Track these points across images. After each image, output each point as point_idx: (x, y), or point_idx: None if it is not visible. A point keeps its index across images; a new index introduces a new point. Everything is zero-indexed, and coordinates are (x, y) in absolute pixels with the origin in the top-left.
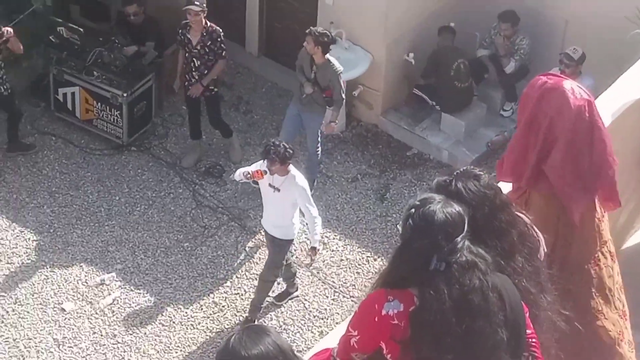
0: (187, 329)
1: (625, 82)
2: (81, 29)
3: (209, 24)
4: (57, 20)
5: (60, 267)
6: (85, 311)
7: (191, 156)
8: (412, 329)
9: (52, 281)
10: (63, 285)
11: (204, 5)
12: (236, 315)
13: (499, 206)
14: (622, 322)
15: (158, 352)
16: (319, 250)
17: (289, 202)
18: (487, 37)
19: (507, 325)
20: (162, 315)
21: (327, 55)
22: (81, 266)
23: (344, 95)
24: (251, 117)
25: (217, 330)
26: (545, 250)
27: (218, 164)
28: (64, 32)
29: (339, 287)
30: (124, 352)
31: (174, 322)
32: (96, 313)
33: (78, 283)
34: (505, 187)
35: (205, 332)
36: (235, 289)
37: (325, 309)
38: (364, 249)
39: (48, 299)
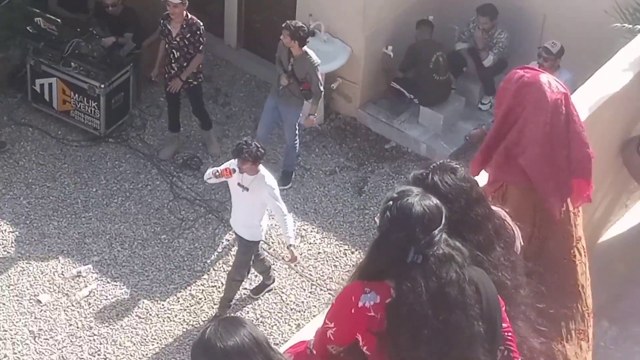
0: (163, 321)
1: (603, 76)
2: (59, 20)
3: (189, 16)
4: (35, 10)
5: (36, 258)
6: (61, 303)
7: (169, 148)
8: (388, 321)
9: (28, 273)
10: (39, 277)
11: None
12: (213, 308)
13: (475, 199)
14: (589, 320)
15: (134, 344)
16: (295, 246)
17: (258, 202)
18: (466, 30)
19: (483, 319)
20: (139, 307)
21: (305, 48)
22: (57, 258)
23: (322, 88)
24: (229, 109)
25: (194, 322)
26: (522, 243)
27: (196, 156)
28: (41, 22)
29: (316, 279)
30: (100, 344)
31: (150, 315)
32: (72, 305)
33: (54, 275)
34: (482, 180)
35: (182, 324)
36: (212, 282)
37: (302, 302)
38: (341, 242)
39: (24, 291)
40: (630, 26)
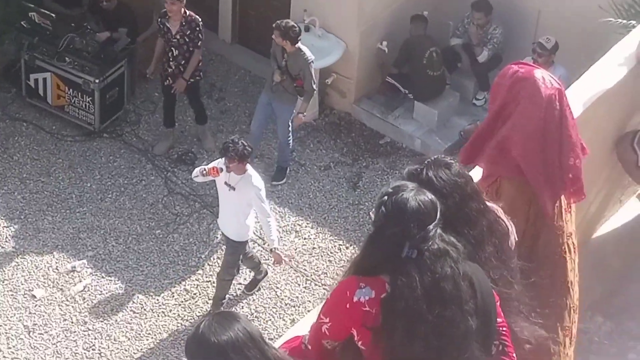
0: (158, 316)
1: (597, 72)
2: (53, 15)
3: (188, 12)
4: (29, 5)
5: (31, 253)
6: (55, 298)
7: (163, 143)
8: (383, 316)
9: (22, 268)
10: (34, 271)
11: None
12: (207, 303)
13: (470, 195)
14: (574, 317)
15: (129, 339)
16: (278, 249)
17: (244, 202)
18: (460, 26)
19: (478, 314)
20: (133, 302)
21: (299, 44)
22: (52, 253)
23: (315, 87)
24: (224, 104)
25: (189, 317)
26: (516, 239)
27: (190, 151)
28: (35, 17)
29: (311, 275)
30: (95, 339)
31: (145, 310)
32: (67, 300)
33: (49, 270)
34: (476, 175)
35: (176, 319)
36: (206, 277)
37: (297, 297)
38: (336, 237)
39: (18, 286)
40: (625, 22)
